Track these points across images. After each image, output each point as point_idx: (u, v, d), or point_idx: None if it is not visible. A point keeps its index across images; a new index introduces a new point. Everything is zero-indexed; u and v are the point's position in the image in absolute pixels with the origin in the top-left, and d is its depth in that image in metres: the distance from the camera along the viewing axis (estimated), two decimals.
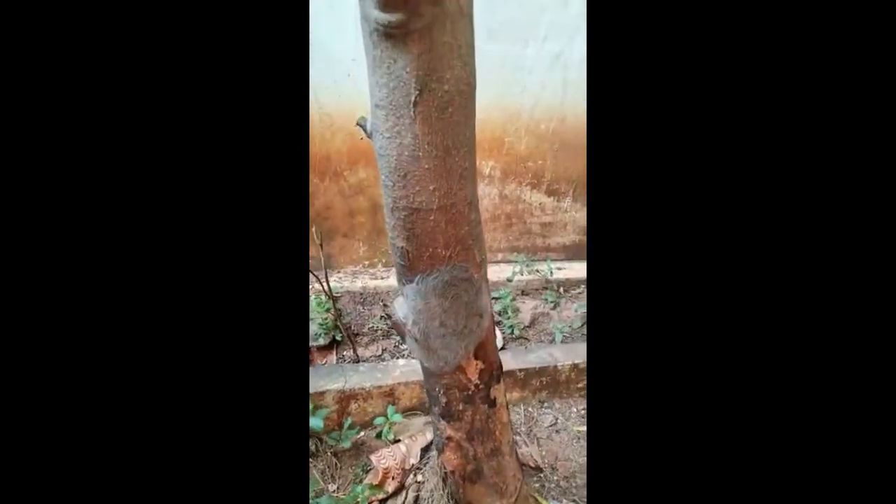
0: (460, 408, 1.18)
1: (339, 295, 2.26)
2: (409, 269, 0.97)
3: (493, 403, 1.21)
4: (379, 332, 2.15)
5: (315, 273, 1.86)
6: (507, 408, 1.29)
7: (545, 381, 1.89)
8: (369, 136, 0.87)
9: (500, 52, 2.14)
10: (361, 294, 2.34)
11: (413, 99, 0.77)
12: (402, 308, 1.06)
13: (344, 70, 1.96)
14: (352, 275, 2.42)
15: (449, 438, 1.26)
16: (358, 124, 0.88)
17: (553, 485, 1.60)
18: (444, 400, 1.18)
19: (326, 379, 1.70)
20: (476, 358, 1.11)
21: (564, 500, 1.52)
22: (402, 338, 1.09)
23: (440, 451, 1.32)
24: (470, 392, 1.16)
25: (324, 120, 2.07)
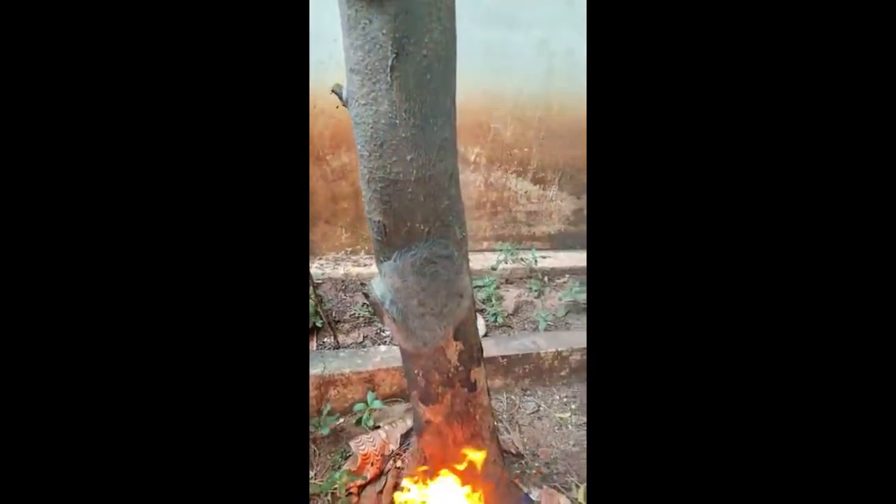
0: (439, 391, 1.16)
1: (320, 282, 2.22)
2: (386, 245, 0.94)
3: (473, 387, 1.19)
4: (360, 319, 2.12)
5: None
6: (488, 392, 1.27)
7: (528, 369, 1.88)
8: (345, 104, 0.84)
9: (484, 38, 2.11)
10: (343, 281, 2.31)
11: (390, 63, 0.74)
12: (379, 287, 1.03)
13: (326, 51, 1.91)
14: (334, 261, 2.38)
15: (428, 422, 1.24)
16: (333, 91, 0.84)
17: (534, 471, 1.59)
18: (422, 383, 1.16)
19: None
20: (456, 339, 1.09)
21: (545, 486, 1.51)
22: (381, 318, 1.06)
23: (419, 436, 1.29)
24: (449, 374, 1.13)
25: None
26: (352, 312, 2.15)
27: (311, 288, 1.90)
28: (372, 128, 0.80)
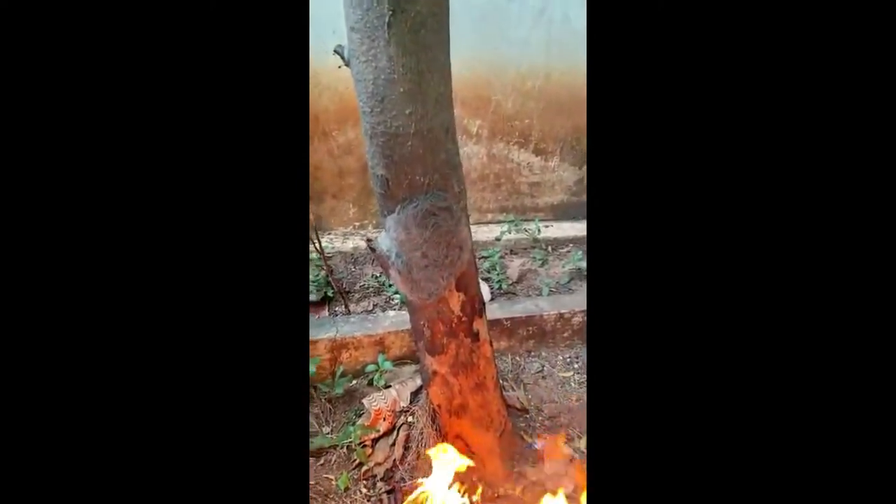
0: (444, 341, 1.23)
1: (330, 255, 2.29)
2: (389, 199, 1.00)
3: (476, 337, 1.26)
4: (370, 289, 2.19)
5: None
6: (490, 344, 1.34)
7: (532, 331, 1.94)
8: (347, 63, 0.90)
9: (482, 7, 2.14)
10: (352, 255, 2.38)
11: (387, 20, 0.79)
12: (384, 241, 1.09)
13: (329, 27, 1.96)
14: (343, 236, 2.45)
15: (435, 373, 1.31)
16: (335, 52, 0.90)
17: (538, 424, 1.66)
18: (428, 333, 1.23)
19: (318, 329, 1.74)
20: (458, 290, 1.16)
21: (548, 437, 1.58)
22: (386, 272, 1.13)
23: (427, 387, 1.37)
24: (453, 325, 1.20)
25: (313, 79, 2.08)
26: (361, 283, 2.23)
27: (322, 259, 1.98)
28: (372, 84, 0.86)
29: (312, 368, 1.53)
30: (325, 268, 2.00)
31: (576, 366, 1.93)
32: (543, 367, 1.92)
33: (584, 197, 2.72)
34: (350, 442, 1.53)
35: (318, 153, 2.26)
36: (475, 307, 1.22)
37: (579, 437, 1.61)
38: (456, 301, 1.17)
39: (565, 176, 2.66)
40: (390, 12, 0.78)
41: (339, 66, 0.91)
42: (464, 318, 1.20)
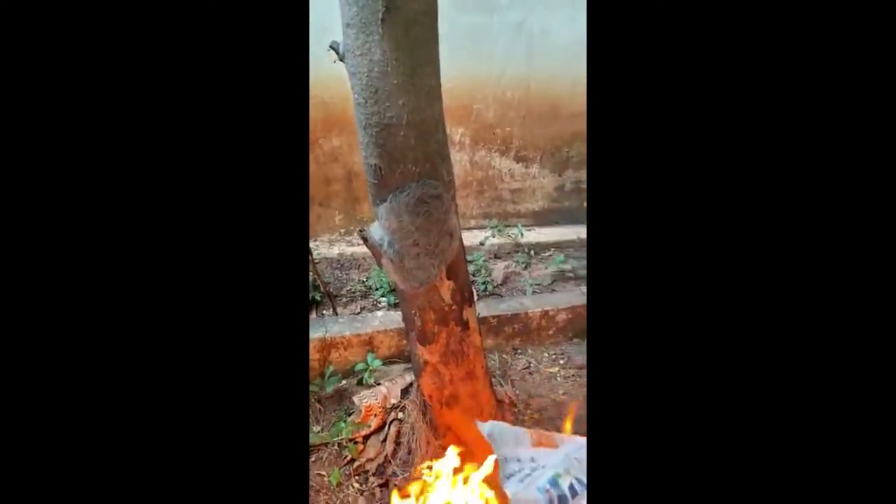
0: (435, 329, 1.27)
1: (316, 261, 2.32)
2: (382, 188, 1.05)
3: (466, 326, 1.30)
4: (357, 293, 2.22)
5: None
6: (480, 333, 1.38)
7: (517, 329, 1.99)
8: (342, 58, 0.95)
9: (466, 22, 2.24)
10: (338, 261, 2.41)
11: (380, 16, 0.85)
12: (376, 231, 1.14)
13: (317, 38, 2.02)
14: (329, 242, 2.48)
15: (426, 363, 1.34)
16: (331, 47, 0.95)
17: (526, 417, 1.70)
18: (419, 322, 1.26)
19: (309, 329, 1.76)
20: (448, 278, 1.20)
21: (538, 429, 1.62)
22: (378, 262, 1.17)
23: (418, 377, 1.40)
24: (444, 313, 1.25)
25: None
26: (348, 288, 2.25)
27: (311, 262, 2.01)
28: (367, 76, 0.92)
29: None
30: (312, 272, 2.02)
31: (561, 362, 1.98)
32: (530, 363, 1.96)
33: (565, 203, 2.81)
34: (341, 438, 1.54)
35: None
36: (465, 295, 1.26)
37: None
38: (446, 289, 1.21)
39: (546, 182, 2.75)
40: (384, 8, 0.84)
41: (334, 61, 0.97)
42: (454, 307, 1.25)
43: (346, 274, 2.35)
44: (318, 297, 2.07)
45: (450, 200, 1.10)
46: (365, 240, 1.15)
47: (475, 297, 1.59)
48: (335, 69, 1.02)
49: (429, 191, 1.05)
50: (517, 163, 2.64)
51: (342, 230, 2.53)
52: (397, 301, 1.75)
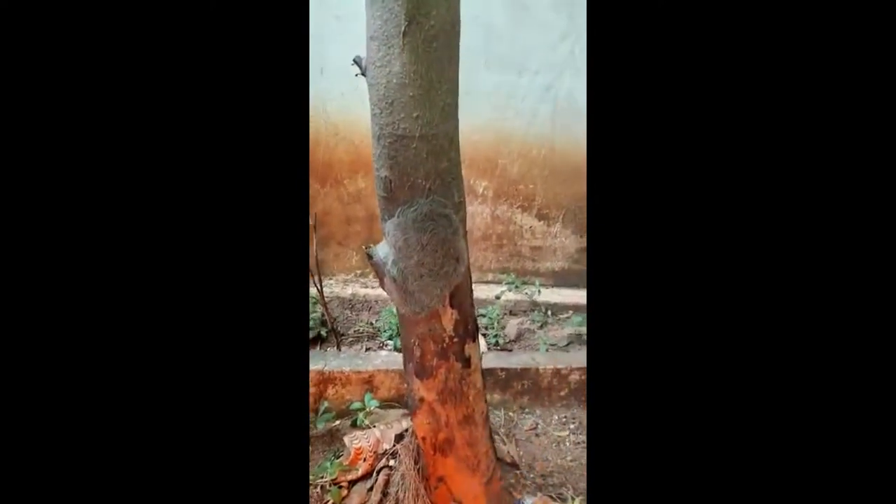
0: (434, 363, 1.19)
1: (328, 300, 2.29)
2: (390, 201, 1.03)
3: (467, 363, 1.22)
4: (364, 334, 2.16)
5: (310, 272, 1.92)
6: (482, 374, 1.29)
7: (526, 385, 1.87)
8: (363, 72, 0.98)
9: (494, 81, 2.34)
10: (350, 301, 2.37)
11: (402, 29, 0.88)
12: (382, 249, 1.11)
13: (352, 83, 2.14)
14: (343, 282, 2.46)
15: (421, 400, 1.25)
16: (354, 62, 0.99)
17: (529, 481, 1.55)
18: (418, 353, 1.19)
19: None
20: (451, 307, 1.15)
21: (540, 494, 1.46)
22: (381, 282, 1.13)
23: (412, 416, 1.30)
24: (444, 345, 1.18)
25: (329, 129, 2.23)
26: (356, 329, 2.20)
27: (320, 298, 1.98)
28: (384, 87, 0.93)
29: None
30: (321, 308, 1.99)
31: (572, 426, 1.83)
32: (537, 424, 1.82)
33: (586, 265, 2.75)
34: (325, 480, 1.42)
35: (328, 199, 2.35)
36: (468, 328, 1.20)
37: (573, 499, 1.48)
38: (449, 318, 1.15)
39: (567, 243, 2.71)
40: (406, 22, 0.88)
41: (357, 75, 1.00)
42: (455, 339, 1.18)
43: (356, 315, 2.30)
44: (323, 334, 2.02)
45: (458, 222, 1.08)
46: (370, 257, 1.13)
47: (482, 356, 1.52)
48: (366, 109, 1.03)
49: (437, 208, 1.03)
50: (539, 220, 2.63)
51: (357, 271, 2.52)
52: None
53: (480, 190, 2.52)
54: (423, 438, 1.29)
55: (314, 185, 2.30)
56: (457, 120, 1.02)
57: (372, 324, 2.23)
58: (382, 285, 1.15)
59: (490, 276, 2.67)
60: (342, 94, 2.16)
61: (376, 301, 2.37)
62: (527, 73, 2.35)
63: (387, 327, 2.14)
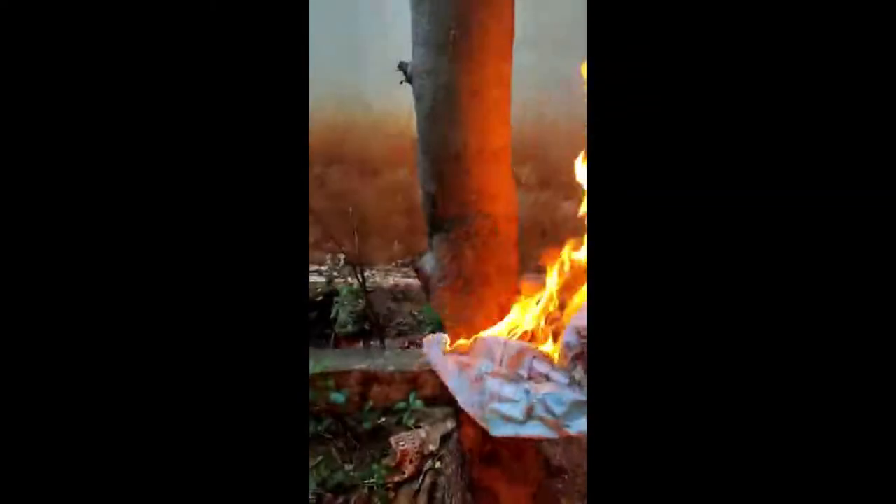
0: None
1: (371, 290, 2.29)
2: (437, 218, 0.99)
3: None
4: (407, 326, 2.15)
5: (352, 263, 1.92)
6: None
7: None
8: (409, 79, 0.92)
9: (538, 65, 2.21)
10: (392, 292, 2.37)
11: (451, 36, 0.81)
12: (429, 261, 1.07)
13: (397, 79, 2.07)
14: (384, 272, 2.45)
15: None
16: (399, 67, 0.93)
17: (577, 489, 1.52)
18: None
19: (351, 360, 1.70)
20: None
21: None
22: (428, 294, 1.10)
23: (459, 428, 1.29)
24: None
25: (368, 120, 2.19)
26: (399, 321, 2.19)
27: (363, 292, 1.98)
28: (432, 100, 0.88)
29: (342, 396, 1.48)
30: (364, 301, 1.99)
31: None
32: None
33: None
34: (374, 482, 1.43)
35: (368, 190, 2.33)
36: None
37: None
38: None
39: None
40: (454, 30, 0.81)
41: (401, 82, 0.94)
42: None
43: (398, 306, 2.29)
44: (367, 328, 2.03)
45: (507, 235, 1.02)
46: (417, 270, 1.09)
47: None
48: (408, 105, 0.97)
49: (485, 224, 0.97)
50: None
51: (399, 260, 2.51)
52: None
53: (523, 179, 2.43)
54: (470, 450, 1.27)
55: (353, 178, 2.28)
56: (508, 129, 0.95)
57: (415, 315, 2.22)
58: (428, 297, 1.12)
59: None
60: (387, 89, 2.10)
61: (417, 291, 2.36)
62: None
63: (430, 320, 2.12)
